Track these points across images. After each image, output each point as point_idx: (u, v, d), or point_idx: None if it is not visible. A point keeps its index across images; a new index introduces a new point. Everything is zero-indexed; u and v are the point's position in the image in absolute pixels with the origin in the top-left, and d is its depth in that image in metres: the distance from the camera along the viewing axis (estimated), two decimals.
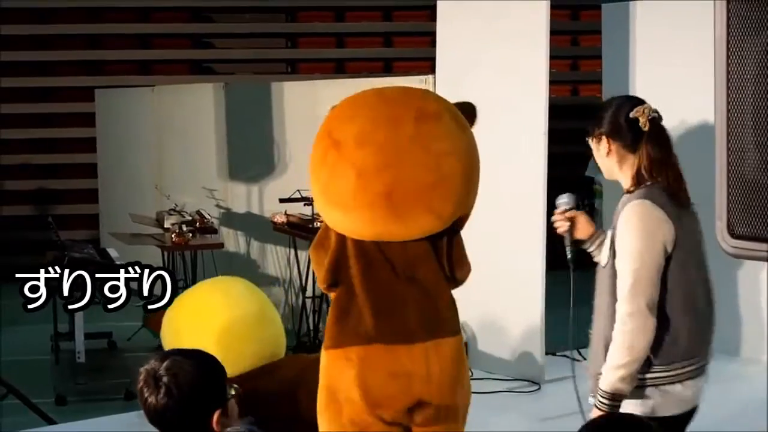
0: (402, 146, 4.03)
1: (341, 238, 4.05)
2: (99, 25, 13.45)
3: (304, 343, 8.50)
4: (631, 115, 3.69)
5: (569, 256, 4.07)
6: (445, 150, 4.04)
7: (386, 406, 3.81)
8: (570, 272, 4.21)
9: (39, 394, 7.15)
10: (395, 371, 3.92)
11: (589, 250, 4.06)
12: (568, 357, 7.88)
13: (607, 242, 3.78)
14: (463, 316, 7.62)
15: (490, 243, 7.49)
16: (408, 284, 4.03)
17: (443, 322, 4.06)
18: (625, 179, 3.75)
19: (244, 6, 13.54)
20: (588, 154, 4.02)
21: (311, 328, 8.53)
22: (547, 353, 7.39)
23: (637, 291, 3.57)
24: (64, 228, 12.11)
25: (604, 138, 3.77)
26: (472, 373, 7.35)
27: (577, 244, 4.10)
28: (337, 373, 3.91)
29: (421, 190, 3.99)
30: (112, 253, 8.52)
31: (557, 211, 4.05)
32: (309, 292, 8.61)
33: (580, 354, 7.93)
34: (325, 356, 4.01)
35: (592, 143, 3.86)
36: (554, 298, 7.47)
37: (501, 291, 7.47)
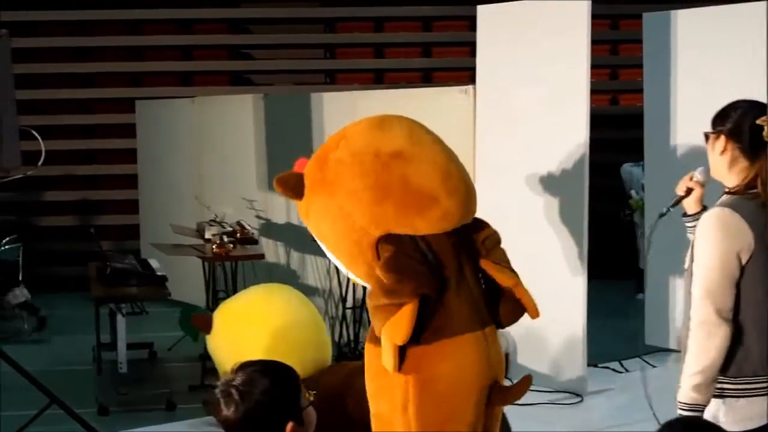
0: (439, 143, 4.73)
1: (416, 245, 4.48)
2: (140, 37, 13.51)
3: (345, 353, 8.48)
4: (758, 121, 3.66)
5: (663, 212, 4.13)
6: None
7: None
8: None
9: (82, 404, 7.15)
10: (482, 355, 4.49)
11: (687, 225, 4.08)
12: (610, 368, 7.85)
13: (690, 245, 3.78)
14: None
15: (530, 253, 7.43)
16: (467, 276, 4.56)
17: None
18: (730, 181, 3.75)
19: (283, 17, 13.57)
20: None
21: (351, 338, 8.51)
22: (588, 365, 7.35)
23: (708, 298, 3.55)
24: (105, 238, 12.18)
25: (723, 137, 3.75)
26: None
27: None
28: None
29: (468, 178, 4.74)
30: (153, 263, 8.53)
31: (687, 177, 4.09)
32: (349, 303, 8.59)
33: (622, 365, 7.89)
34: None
35: (709, 139, 3.83)
36: (595, 309, 7.45)
37: (542, 301, 7.39)
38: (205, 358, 6.91)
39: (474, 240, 4.73)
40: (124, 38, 13.47)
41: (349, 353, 8.40)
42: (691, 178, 4.05)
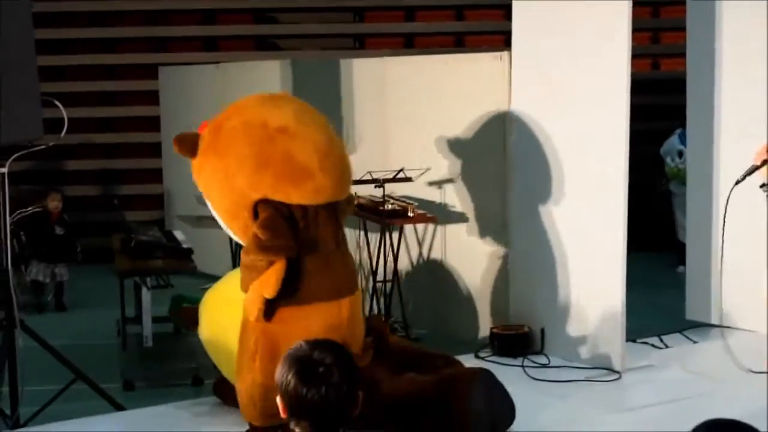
0: (326, 123, 5.63)
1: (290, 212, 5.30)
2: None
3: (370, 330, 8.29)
4: None
5: (739, 179, 4.03)
6: None
7: None
8: None
9: (106, 379, 7.06)
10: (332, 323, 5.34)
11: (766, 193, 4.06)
12: (649, 344, 7.65)
13: None
14: (539, 302, 7.46)
15: (568, 225, 7.26)
16: (339, 249, 5.54)
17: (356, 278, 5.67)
18: None
19: None
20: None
21: (382, 312, 8.33)
22: (627, 340, 7.15)
23: None
24: (129, 208, 12.04)
25: None
26: (549, 360, 7.15)
27: None
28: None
29: (346, 162, 5.65)
30: (179, 235, 8.42)
31: (764, 147, 3.94)
32: (380, 276, 8.41)
33: (661, 341, 7.68)
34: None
35: None
36: (634, 282, 7.24)
37: (579, 275, 7.26)
38: None
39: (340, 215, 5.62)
40: (146, 2, 13.31)
41: None
42: None
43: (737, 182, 3.98)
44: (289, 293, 5.29)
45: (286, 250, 5.26)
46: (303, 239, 5.38)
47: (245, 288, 5.33)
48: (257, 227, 5.27)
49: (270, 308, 5.30)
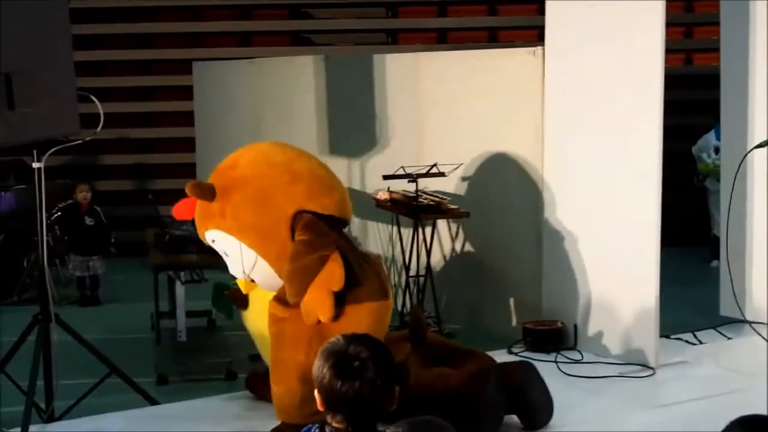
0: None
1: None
2: None
3: (406, 322, 8.28)
4: None
5: (762, 143, 3.93)
6: None
7: None
8: None
9: (140, 373, 7.08)
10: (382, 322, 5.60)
11: None
12: (682, 340, 7.61)
13: None
14: (572, 298, 7.44)
15: (602, 221, 7.22)
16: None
17: None
18: None
19: None
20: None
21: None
22: (661, 336, 7.12)
23: None
24: (162, 203, 12.07)
25: None
26: (582, 356, 7.13)
27: None
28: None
29: None
30: None
31: None
32: (413, 271, 8.40)
33: (695, 337, 7.64)
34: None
35: None
36: (668, 278, 7.20)
37: (613, 270, 7.22)
38: None
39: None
40: None
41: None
42: None
43: (759, 146, 3.92)
44: (346, 289, 5.41)
45: (334, 243, 5.43)
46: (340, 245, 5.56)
47: (301, 294, 5.38)
48: (300, 231, 5.45)
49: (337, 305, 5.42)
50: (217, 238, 5.73)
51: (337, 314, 5.38)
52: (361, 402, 2.86)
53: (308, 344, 5.35)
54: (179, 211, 5.90)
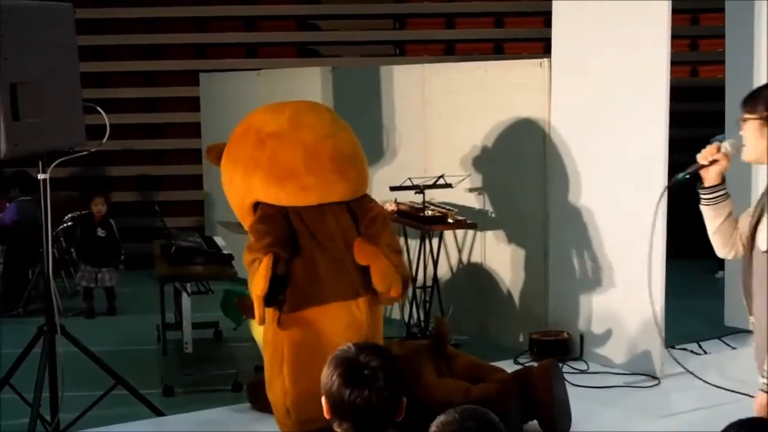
0: (329, 125, 5.67)
1: (284, 214, 5.41)
2: (205, 7, 13.35)
3: (414, 333, 8.29)
4: None
5: (679, 176, 3.88)
6: (351, 133, 5.77)
7: None
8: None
9: (147, 384, 7.09)
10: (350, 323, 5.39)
11: (702, 196, 3.88)
12: (687, 350, 7.60)
13: (765, 226, 3.66)
14: (578, 308, 7.43)
15: (607, 232, 7.23)
16: (347, 250, 5.43)
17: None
18: None
19: None
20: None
21: (422, 318, 8.31)
22: (666, 346, 7.12)
23: None
24: (168, 215, 12.07)
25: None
26: (588, 366, 7.12)
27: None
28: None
29: (353, 155, 5.66)
30: (219, 241, 8.43)
31: (714, 146, 3.82)
32: (419, 282, 8.39)
33: (700, 347, 7.63)
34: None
35: (750, 122, 3.69)
36: (673, 288, 7.19)
37: (618, 281, 7.23)
38: None
39: (362, 219, 5.58)
40: (188, 9, 13.33)
41: (418, 333, 8.20)
42: (718, 149, 3.77)
43: (677, 181, 3.91)
44: (300, 294, 5.42)
45: (267, 248, 5.37)
46: (305, 241, 5.51)
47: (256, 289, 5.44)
48: (249, 230, 5.63)
49: (290, 307, 5.44)
50: None
51: (295, 322, 5.41)
52: (368, 411, 2.85)
53: (280, 353, 5.45)
54: None
